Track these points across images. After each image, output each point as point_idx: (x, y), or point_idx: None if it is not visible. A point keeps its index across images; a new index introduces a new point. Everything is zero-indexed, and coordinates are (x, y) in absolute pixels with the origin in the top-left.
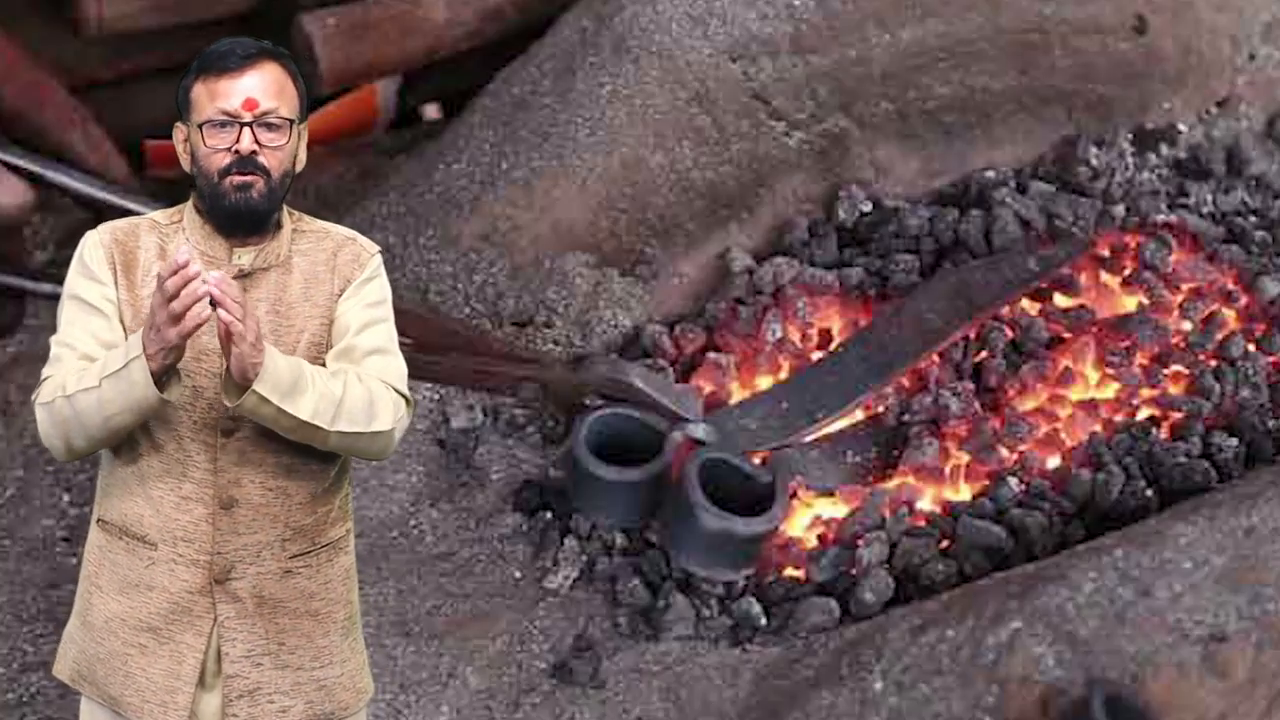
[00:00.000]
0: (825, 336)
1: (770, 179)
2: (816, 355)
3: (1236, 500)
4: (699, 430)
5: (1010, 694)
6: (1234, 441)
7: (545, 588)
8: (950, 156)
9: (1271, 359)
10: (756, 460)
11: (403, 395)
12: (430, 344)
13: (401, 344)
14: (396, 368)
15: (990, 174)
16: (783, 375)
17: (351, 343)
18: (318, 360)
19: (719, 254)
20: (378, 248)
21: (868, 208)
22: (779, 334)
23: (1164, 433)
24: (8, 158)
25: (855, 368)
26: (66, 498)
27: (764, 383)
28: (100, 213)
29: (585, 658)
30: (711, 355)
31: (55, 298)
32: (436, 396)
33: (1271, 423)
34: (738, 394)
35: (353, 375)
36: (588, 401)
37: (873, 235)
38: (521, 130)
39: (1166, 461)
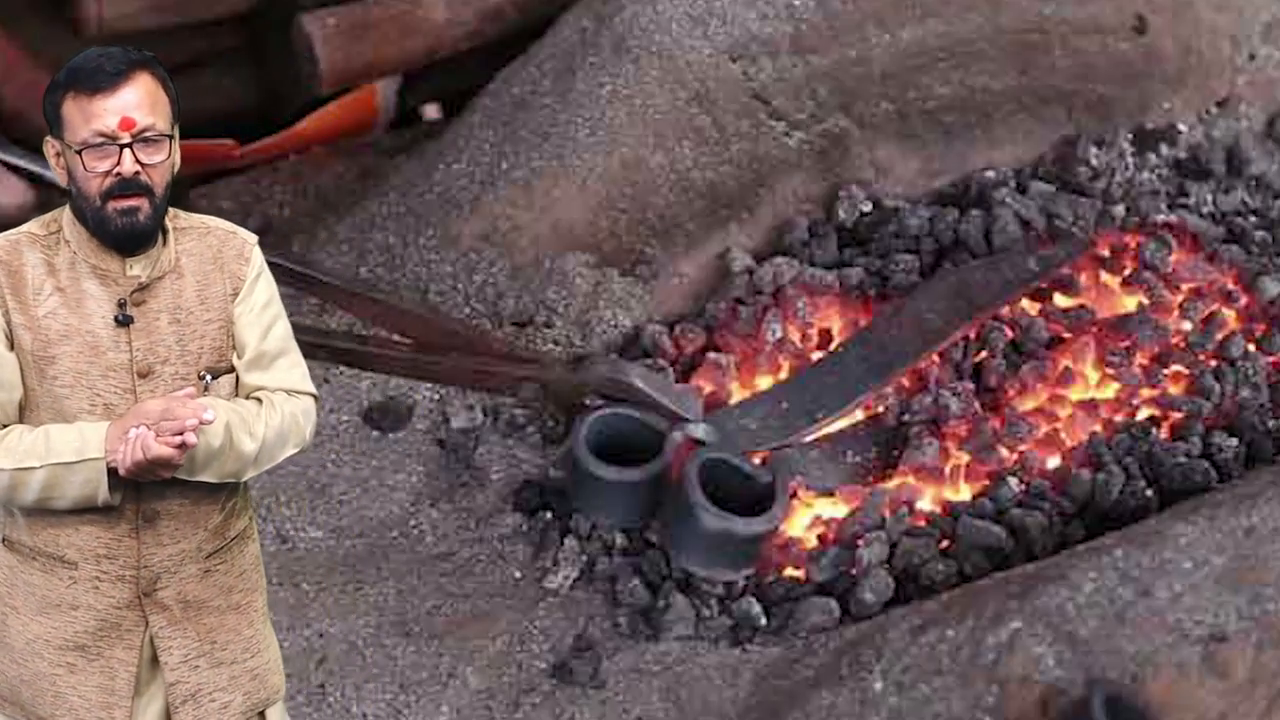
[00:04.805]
0: (825, 336)
1: (770, 179)
2: (816, 355)
3: (1236, 500)
4: (699, 430)
5: (1010, 694)
6: (1234, 441)
7: (545, 588)
8: (950, 156)
9: (1271, 359)
10: (756, 460)
11: (310, 394)
12: (430, 344)
13: (401, 344)
14: (300, 367)
15: (990, 174)
16: (783, 375)
17: (260, 350)
18: (221, 362)
19: (719, 254)
20: (255, 236)
21: (868, 208)
22: (779, 334)
23: (1164, 433)
24: (8, 158)
25: (855, 368)
26: None
27: (764, 383)
28: None
29: (585, 658)
30: (711, 355)
31: None
32: (436, 396)
33: (1271, 423)
34: (738, 394)
35: (269, 412)
36: (588, 401)
37: (873, 235)
38: (521, 130)
39: (1166, 461)
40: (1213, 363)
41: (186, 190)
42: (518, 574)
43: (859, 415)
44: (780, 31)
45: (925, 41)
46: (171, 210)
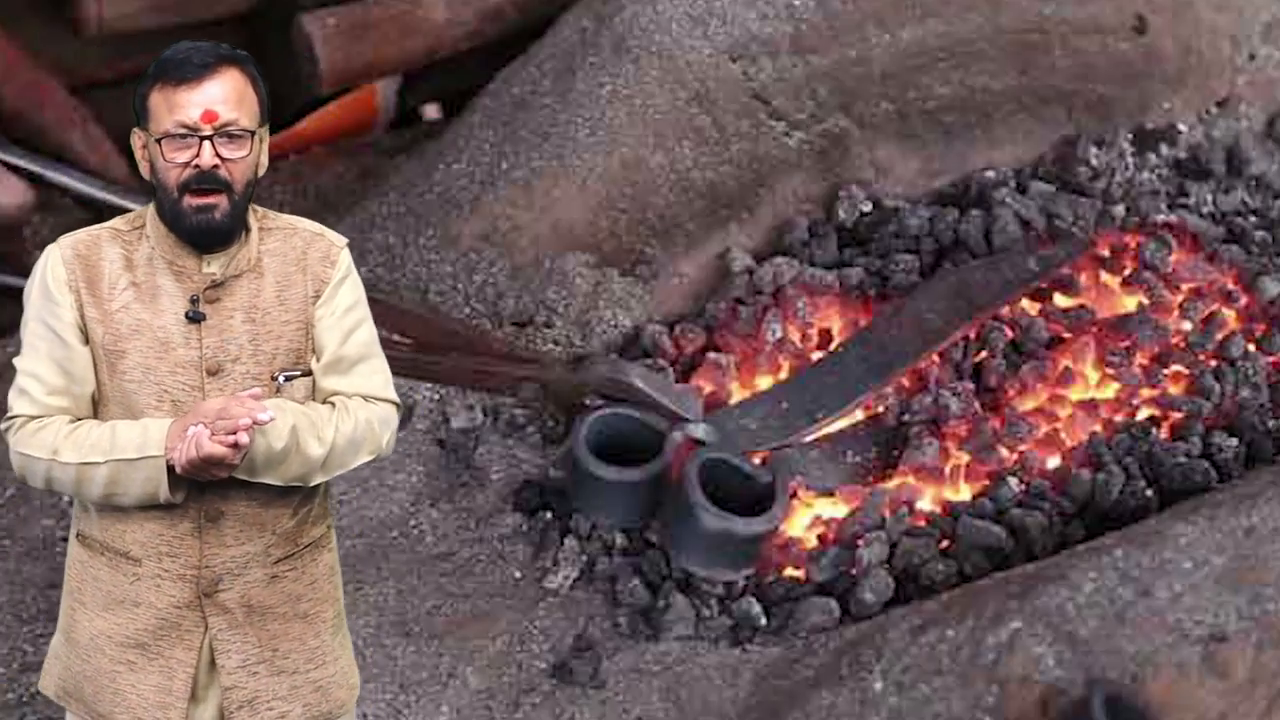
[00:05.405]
0: (825, 336)
1: (770, 179)
2: (816, 355)
3: (1236, 500)
4: (699, 430)
5: (1010, 694)
6: (1234, 441)
7: (545, 588)
8: (950, 156)
9: (1271, 359)
10: (756, 460)
11: (391, 401)
12: (430, 344)
13: (401, 344)
14: (382, 374)
15: (990, 174)
16: (783, 375)
17: (340, 354)
18: (298, 364)
19: (719, 254)
20: (345, 240)
21: (868, 208)
22: (779, 334)
23: (1164, 433)
24: (8, 158)
25: (855, 368)
26: (67, 498)
27: (764, 383)
28: (100, 213)
29: (585, 658)
30: (711, 355)
31: None
32: (436, 396)
33: (1271, 423)
34: (738, 394)
35: (341, 417)
36: (588, 401)
37: (873, 235)
38: (521, 130)
39: (1166, 461)
40: (1213, 363)
41: None
42: (518, 574)
43: (859, 415)
44: (780, 31)
45: (925, 41)
46: (261, 210)
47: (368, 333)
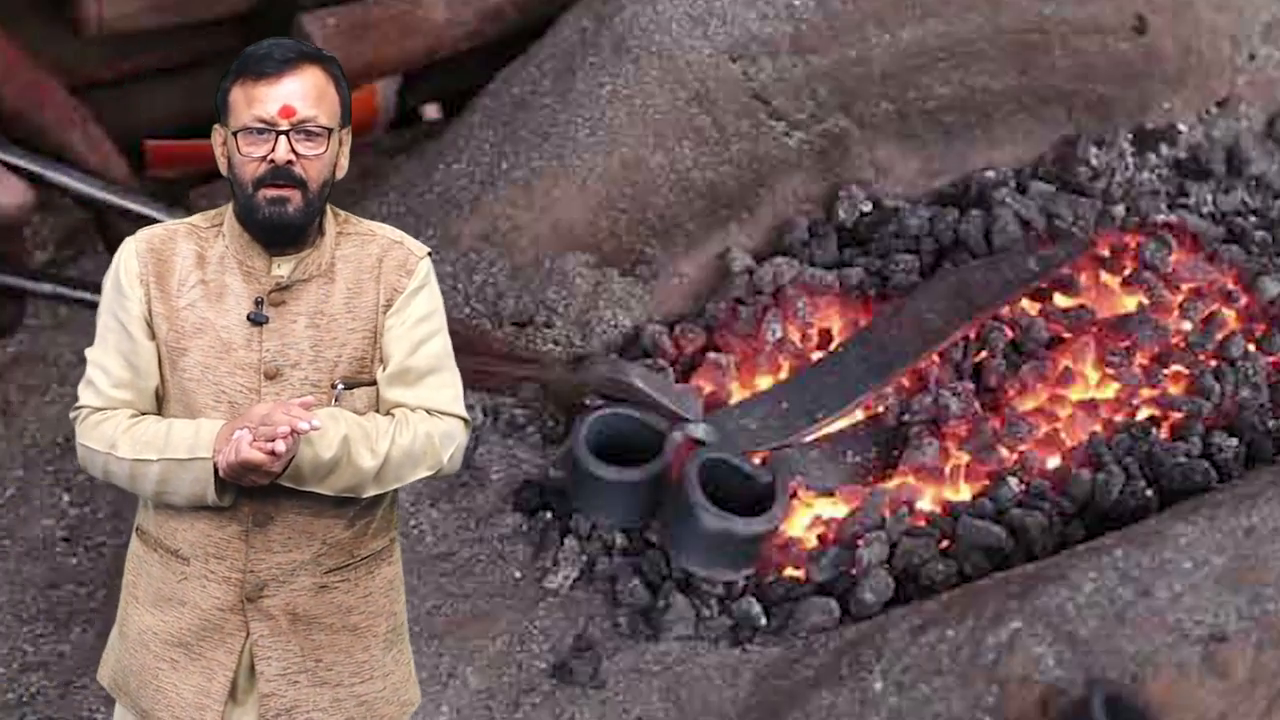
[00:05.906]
0: (825, 336)
1: (770, 179)
2: (816, 355)
3: (1236, 500)
4: (699, 430)
5: (1010, 694)
6: (1234, 441)
7: (545, 588)
8: (950, 156)
9: (1271, 359)
10: (756, 460)
11: (458, 417)
12: None
13: None
14: (452, 388)
15: (990, 174)
16: (783, 375)
17: (406, 365)
18: (363, 373)
19: (719, 254)
20: (427, 250)
21: (868, 208)
22: (779, 334)
23: (1164, 433)
24: (8, 158)
25: (855, 368)
26: (66, 498)
27: (764, 383)
28: (100, 213)
29: (585, 658)
30: (711, 355)
31: (55, 298)
32: None
33: (1271, 423)
34: (738, 394)
35: (400, 429)
36: (588, 401)
37: (873, 235)
38: (521, 130)
39: (1166, 461)
40: (1213, 363)
41: (186, 190)
42: (518, 574)
43: (859, 415)
44: (780, 31)
45: (925, 41)
46: (343, 215)
47: (440, 345)
